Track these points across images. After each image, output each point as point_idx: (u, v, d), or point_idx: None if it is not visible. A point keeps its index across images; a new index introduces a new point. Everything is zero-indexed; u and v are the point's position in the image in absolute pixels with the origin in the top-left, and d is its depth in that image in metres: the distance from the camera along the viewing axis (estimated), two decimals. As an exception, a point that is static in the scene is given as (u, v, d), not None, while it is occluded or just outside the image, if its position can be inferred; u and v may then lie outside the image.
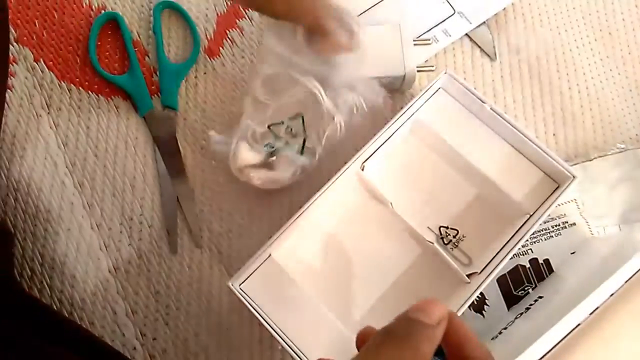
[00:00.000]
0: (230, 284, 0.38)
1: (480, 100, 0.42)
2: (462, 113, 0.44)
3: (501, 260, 0.38)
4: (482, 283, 0.37)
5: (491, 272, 0.37)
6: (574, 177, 0.40)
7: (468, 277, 0.39)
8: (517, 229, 0.40)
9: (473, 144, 0.42)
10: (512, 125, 0.41)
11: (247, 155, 0.43)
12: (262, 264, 0.39)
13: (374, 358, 0.23)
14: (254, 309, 0.37)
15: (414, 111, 0.43)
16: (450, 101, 0.44)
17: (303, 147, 0.44)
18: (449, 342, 0.25)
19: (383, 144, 0.42)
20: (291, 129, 0.45)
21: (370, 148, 0.42)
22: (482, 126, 0.43)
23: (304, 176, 0.44)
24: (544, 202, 0.41)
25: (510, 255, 0.38)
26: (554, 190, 0.41)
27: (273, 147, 0.44)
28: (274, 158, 0.44)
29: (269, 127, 0.44)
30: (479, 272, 0.39)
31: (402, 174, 0.44)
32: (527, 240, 0.46)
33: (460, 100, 0.44)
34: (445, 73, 0.43)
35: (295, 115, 0.45)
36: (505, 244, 0.39)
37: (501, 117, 0.42)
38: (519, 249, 0.45)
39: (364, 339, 0.27)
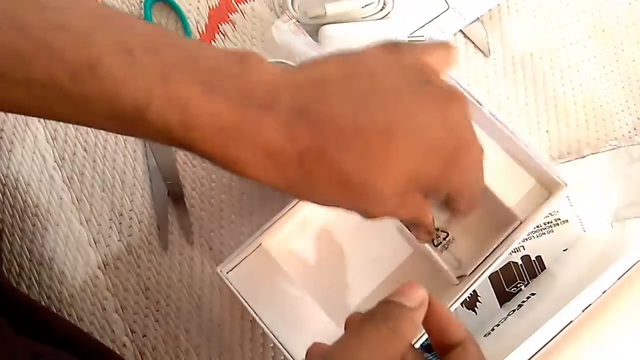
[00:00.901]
0: (218, 270, 0.37)
1: (478, 102, 0.41)
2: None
3: (489, 265, 0.38)
4: (470, 286, 0.37)
5: (479, 275, 0.37)
6: (565, 184, 0.40)
7: (457, 279, 0.39)
8: (507, 234, 0.40)
9: None
10: (508, 130, 0.41)
11: None
12: (252, 252, 0.39)
13: (356, 340, 0.24)
14: (241, 296, 0.37)
15: None
16: None
17: None
18: (430, 325, 0.26)
19: None
20: None
21: None
22: (477, 129, 0.43)
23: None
24: (536, 210, 0.40)
25: (499, 260, 0.38)
26: (546, 198, 0.41)
27: None
28: None
29: None
30: (467, 274, 0.39)
31: None
32: (520, 237, 0.45)
33: None
34: None
35: None
36: (495, 249, 0.39)
37: (498, 120, 0.41)
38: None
39: (351, 324, 0.27)
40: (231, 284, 0.37)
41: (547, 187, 0.41)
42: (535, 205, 0.41)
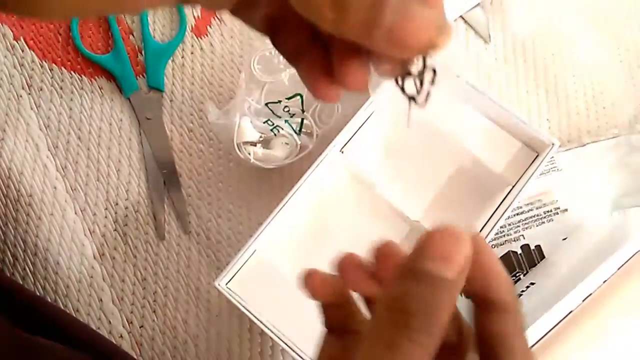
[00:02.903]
0: (217, 283, 0.37)
1: (455, 74, 0.41)
2: (438, 89, 0.43)
3: (488, 233, 0.38)
4: None
5: None
6: (552, 144, 0.39)
7: None
8: (500, 200, 0.40)
9: (450, 118, 0.42)
10: (487, 97, 0.41)
11: (251, 131, 0.43)
12: (247, 260, 0.39)
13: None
14: (243, 306, 0.37)
15: None
16: None
17: (301, 127, 0.44)
18: (473, 272, 0.18)
19: (361, 126, 0.42)
20: (289, 109, 0.45)
21: (349, 131, 0.41)
22: (458, 100, 0.43)
23: (299, 158, 0.44)
24: (526, 171, 0.41)
25: (497, 227, 0.38)
26: (535, 159, 0.41)
27: (273, 123, 0.43)
28: (274, 136, 0.44)
29: (266, 104, 0.44)
30: None
31: (382, 155, 0.44)
32: (519, 227, 0.45)
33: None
34: None
35: (293, 94, 0.44)
36: (491, 216, 0.39)
37: (476, 89, 0.41)
38: (509, 231, 0.45)
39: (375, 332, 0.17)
40: (233, 295, 0.37)
41: (535, 148, 0.41)
42: (524, 167, 0.41)
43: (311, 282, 0.22)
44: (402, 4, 0.15)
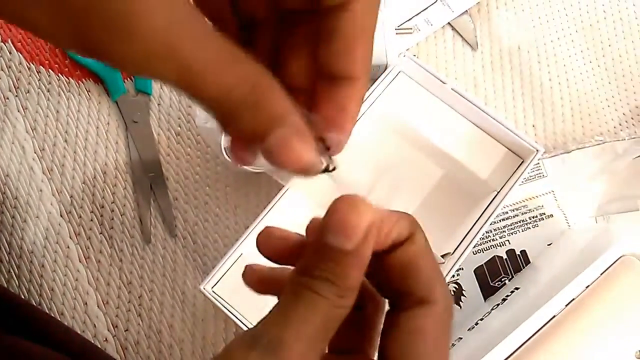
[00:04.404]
0: (202, 287, 0.37)
1: (440, 80, 0.42)
2: (423, 95, 0.43)
3: (473, 238, 0.38)
4: (455, 262, 0.37)
5: (464, 251, 0.38)
6: (537, 150, 0.40)
7: (442, 258, 0.39)
8: (485, 206, 0.40)
9: (436, 125, 0.43)
10: (473, 104, 0.41)
11: None
12: (233, 264, 0.39)
13: (290, 315, 0.17)
14: (229, 310, 0.36)
15: (376, 96, 0.43)
16: (411, 84, 0.44)
17: None
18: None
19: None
20: None
21: None
22: (443, 106, 0.43)
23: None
24: (510, 177, 0.41)
25: (482, 232, 0.38)
26: (520, 165, 0.42)
27: None
28: None
29: None
30: (452, 252, 0.39)
31: (367, 160, 0.44)
32: (505, 232, 0.46)
33: (420, 82, 0.43)
34: (404, 56, 0.43)
35: None
36: (476, 222, 0.40)
37: (462, 96, 0.41)
38: (495, 236, 0.45)
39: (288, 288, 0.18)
40: (218, 299, 0.37)
41: (520, 154, 0.42)
42: (509, 173, 0.41)
43: (250, 280, 0.23)
44: (283, 136, 0.17)
